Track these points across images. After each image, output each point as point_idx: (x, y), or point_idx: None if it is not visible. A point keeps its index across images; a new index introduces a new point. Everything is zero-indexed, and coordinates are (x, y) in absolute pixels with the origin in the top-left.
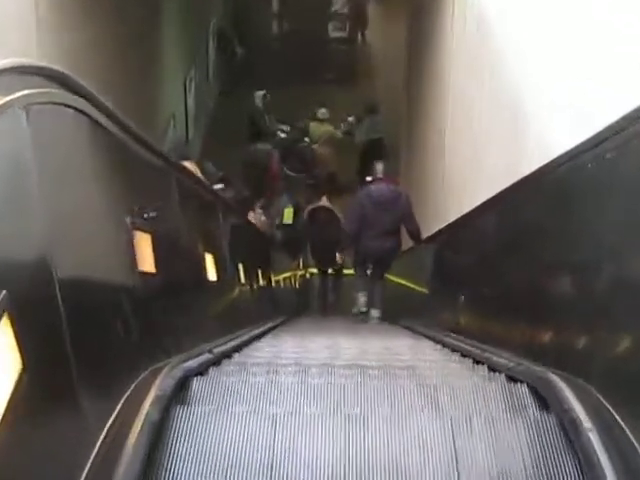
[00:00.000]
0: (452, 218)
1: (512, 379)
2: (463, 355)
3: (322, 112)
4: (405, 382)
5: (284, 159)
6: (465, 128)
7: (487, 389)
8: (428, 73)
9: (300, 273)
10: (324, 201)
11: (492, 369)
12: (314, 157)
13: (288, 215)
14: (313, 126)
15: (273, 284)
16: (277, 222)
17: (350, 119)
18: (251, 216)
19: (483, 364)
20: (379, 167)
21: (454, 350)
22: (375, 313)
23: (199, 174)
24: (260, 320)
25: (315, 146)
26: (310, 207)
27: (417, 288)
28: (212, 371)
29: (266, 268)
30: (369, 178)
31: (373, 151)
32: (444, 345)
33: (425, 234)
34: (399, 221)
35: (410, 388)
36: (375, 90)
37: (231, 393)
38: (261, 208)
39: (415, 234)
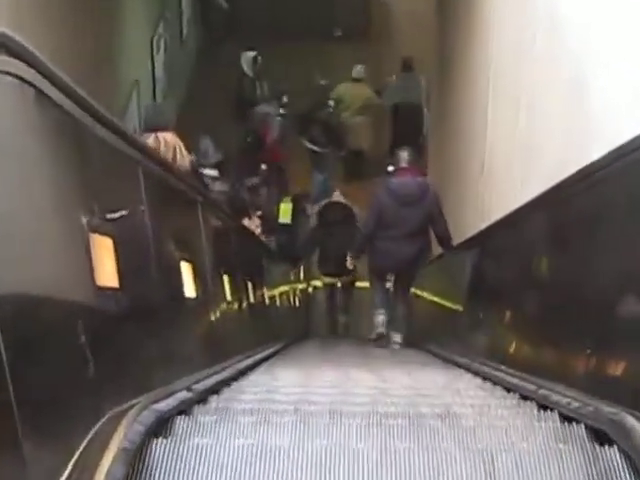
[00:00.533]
0: (496, 216)
1: (597, 434)
2: (522, 397)
3: (357, 70)
4: (446, 444)
5: (303, 129)
6: (513, 102)
7: (566, 454)
8: (465, 38)
9: (300, 287)
10: (337, 195)
11: (566, 417)
12: (343, 128)
13: (285, 212)
14: (343, 88)
15: (268, 301)
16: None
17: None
18: (246, 222)
19: (552, 410)
20: (403, 154)
21: (503, 386)
22: (397, 337)
23: (183, 151)
24: (252, 347)
25: (346, 114)
26: (321, 203)
27: (449, 305)
28: (182, 423)
29: (259, 281)
30: (390, 168)
31: (406, 121)
32: (486, 378)
33: (459, 237)
34: (426, 221)
35: (454, 454)
36: (395, 54)
37: (201, 469)
38: (260, 217)
39: (444, 238)
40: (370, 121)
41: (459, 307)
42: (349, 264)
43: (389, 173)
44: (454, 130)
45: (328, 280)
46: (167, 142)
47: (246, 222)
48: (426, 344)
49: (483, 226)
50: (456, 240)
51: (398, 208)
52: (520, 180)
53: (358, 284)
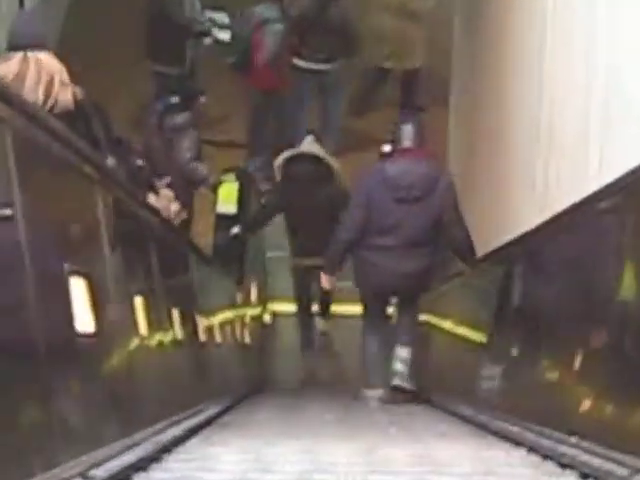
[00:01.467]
0: (560, 204)
1: None
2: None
3: None
4: None
5: (301, 35)
6: (584, 40)
7: None
8: None
9: (252, 313)
10: (310, 143)
11: None
12: (356, 33)
13: (227, 196)
14: None
15: (201, 336)
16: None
17: None
18: (153, 199)
19: None
20: (407, 128)
21: (558, 462)
22: (402, 353)
23: (65, 79)
24: (178, 409)
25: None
26: (284, 155)
27: (477, 341)
28: None
29: (189, 305)
30: (386, 147)
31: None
32: (533, 449)
33: (499, 237)
34: (434, 223)
35: None
36: None
37: None
38: (169, 186)
39: (463, 245)
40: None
41: (491, 345)
42: (324, 282)
43: (384, 155)
44: (491, 89)
45: (298, 262)
46: (40, 65)
47: (152, 197)
48: (440, 398)
49: (539, 220)
50: (495, 243)
51: (395, 205)
52: (599, 149)
53: (338, 308)
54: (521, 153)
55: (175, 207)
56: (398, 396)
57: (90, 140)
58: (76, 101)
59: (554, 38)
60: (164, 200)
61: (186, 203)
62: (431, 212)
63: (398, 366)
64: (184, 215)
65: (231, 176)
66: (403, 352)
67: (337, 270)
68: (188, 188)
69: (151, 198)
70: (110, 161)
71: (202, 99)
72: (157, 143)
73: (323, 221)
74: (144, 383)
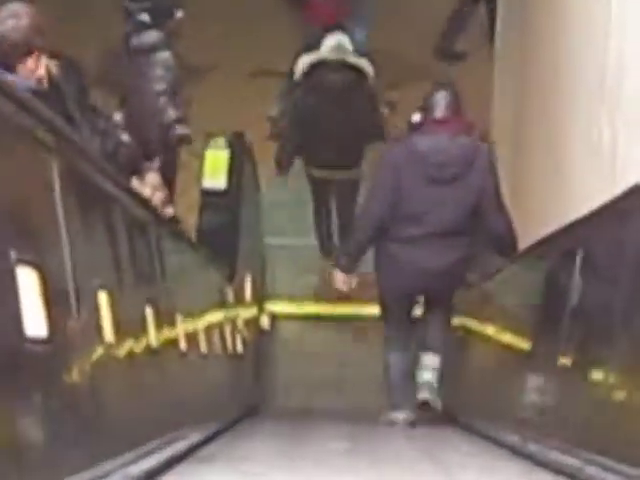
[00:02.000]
0: (635, 173)
1: None
2: None
3: None
4: None
5: None
6: None
7: None
8: None
9: (246, 315)
10: (338, 47)
11: None
12: None
13: (214, 166)
14: None
15: (181, 344)
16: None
17: None
18: (136, 184)
19: None
20: (440, 95)
21: None
22: (429, 361)
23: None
24: (148, 436)
25: None
26: (307, 58)
27: (522, 348)
28: None
29: (168, 305)
30: (416, 117)
31: None
32: None
33: (556, 218)
34: (472, 209)
35: None
36: None
37: None
38: (159, 170)
39: (504, 238)
40: None
41: (545, 358)
42: (338, 282)
43: (413, 126)
44: (546, 26)
45: (319, 175)
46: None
47: (136, 182)
48: (477, 421)
49: (609, 193)
50: (554, 224)
51: (426, 187)
52: None
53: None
54: (580, 105)
55: (159, 196)
56: (425, 413)
57: (65, 117)
58: (50, 77)
59: None
60: (148, 187)
61: (166, 171)
62: (468, 196)
63: (426, 376)
64: (170, 210)
65: (220, 141)
66: (432, 360)
67: (354, 264)
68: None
69: (134, 183)
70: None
71: (178, 14)
72: (129, 82)
73: (349, 134)
74: (105, 403)
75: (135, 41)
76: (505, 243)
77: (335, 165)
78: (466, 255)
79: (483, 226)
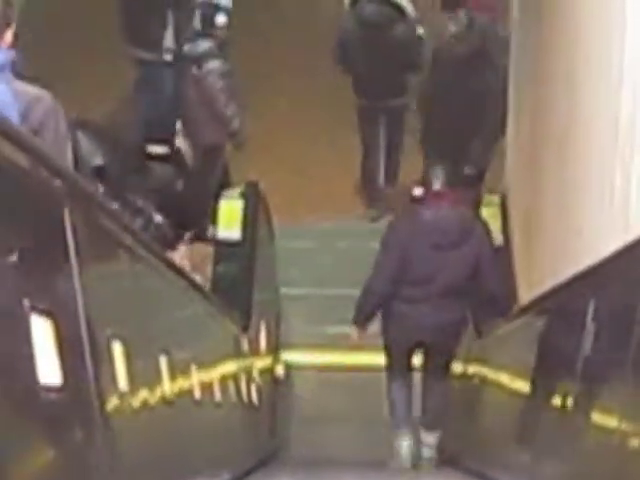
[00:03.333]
0: None
1: None
2: None
3: None
4: None
5: None
6: None
7: None
8: None
9: (261, 366)
10: None
11: None
12: None
13: (229, 217)
14: None
15: (194, 396)
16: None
17: None
18: (177, 257)
19: None
20: (438, 171)
21: None
22: (429, 438)
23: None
24: None
25: None
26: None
27: (531, 394)
28: None
29: (181, 356)
30: (418, 191)
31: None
32: None
33: (558, 269)
34: (471, 272)
35: None
36: None
37: None
38: (192, 240)
39: (499, 297)
40: None
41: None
42: (353, 337)
43: (415, 199)
44: (558, 70)
45: (367, 104)
46: None
47: (177, 255)
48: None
49: (622, 241)
50: (563, 271)
51: (432, 252)
52: None
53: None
54: (595, 154)
55: (186, 264)
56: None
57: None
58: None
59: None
60: (177, 256)
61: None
62: (468, 260)
63: (426, 454)
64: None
65: (234, 192)
66: (429, 438)
67: (366, 323)
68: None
69: (176, 255)
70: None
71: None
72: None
73: (391, 65)
74: (118, 453)
75: (189, 51)
76: (499, 300)
77: (381, 93)
78: (461, 314)
79: (480, 288)
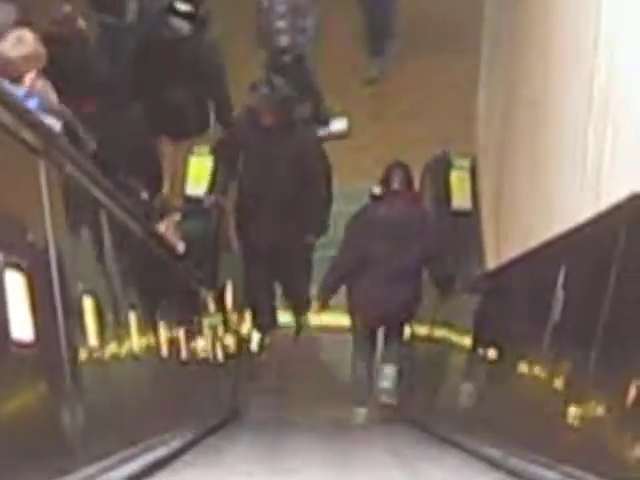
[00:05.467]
0: (619, 191)
1: None
2: None
3: None
4: None
5: None
6: None
7: None
8: None
9: (227, 324)
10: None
11: None
12: None
13: (198, 173)
14: None
15: (163, 350)
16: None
17: None
18: (163, 227)
19: None
20: (396, 173)
21: None
22: (388, 370)
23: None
24: (135, 437)
25: None
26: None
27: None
28: None
29: (149, 310)
30: (376, 190)
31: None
32: None
33: (530, 236)
34: (421, 259)
35: None
36: None
37: None
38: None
39: (443, 282)
40: None
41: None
42: (312, 308)
43: (375, 198)
44: (534, 30)
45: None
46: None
47: (162, 226)
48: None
49: (592, 211)
50: (535, 239)
51: (385, 243)
52: None
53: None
54: (568, 121)
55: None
56: (385, 412)
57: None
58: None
59: None
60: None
61: None
62: (417, 249)
63: (384, 384)
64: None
65: (204, 148)
66: (388, 369)
67: (329, 296)
68: None
69: (162, 225)
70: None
71: None
72: None
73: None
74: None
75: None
76: (444, 285)
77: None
78: (414, 294)
79: (431, 272)
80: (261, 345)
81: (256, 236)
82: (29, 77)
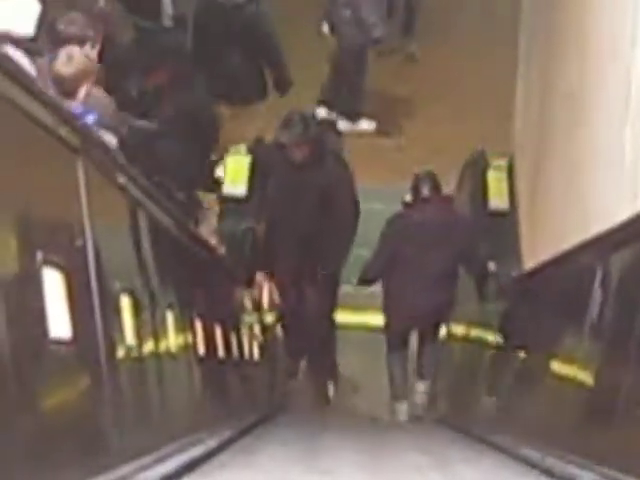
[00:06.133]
0: None
1: None
2: None
3: None
4: None
5: None
6: None
7: None
8: None
9: (264, 322)
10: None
11: None
12: None
13: (235, 173)
14: None
15: (201, 349)
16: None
17: None
18: (204, 230)
19: None
20: (424, 180)
21: None
22: (421, 386)
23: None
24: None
25: None
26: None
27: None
28: None
29: (184, 307)
30: (407, 198)
31: None
32: None
33: (567, 237)
34: (455, 261)
35: None
36: None
37: None
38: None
39: (479, 278)
40: None
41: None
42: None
43: (406, 205)
44: (572, 24)
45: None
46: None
47: (204, 229)
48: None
49: (629, 211)
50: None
51: (419, 248)
52: None
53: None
54: (604, 120)
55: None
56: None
57: None
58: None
59: None
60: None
61: None
62: (452, 252)
63: (417, 400)
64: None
65: (241, 148)
66: (421, 386)
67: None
68: None
69: (203, 229)
70: None
71: None
72: None
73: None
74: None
75: None
76: (480, 281)
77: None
78: (449, 297)
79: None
80: None
81: (280, 272)
82: (82, 92)
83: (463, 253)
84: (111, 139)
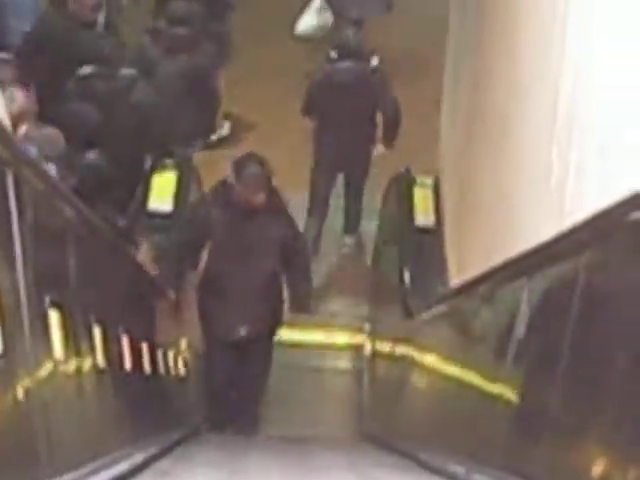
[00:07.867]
0: (584, 209)
1: None
2: None
3: None
4: None
5: None
6: None
7: None
8: None
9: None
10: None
11: None
12: None
13: (161, 189)
14: None
15: (124, 363)
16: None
17: None
18: (141, 256)
19: None
20: (348, 32)
21: None
22: (348, 240)
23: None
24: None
25: None
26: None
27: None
28: None
29: (110, 319)
30: (333, 53)
31: None
32: None
33: (493, 255)
34: (371, 107)
35: None
36: None
37: None
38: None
39: (392, 119)
40: None
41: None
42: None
43: (330, 60)
44: (497, 46)
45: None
46: None
47: (141, 255)
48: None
49: (556, 228)
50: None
51: (338, 98)
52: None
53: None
54: (532, 137)
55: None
56: None
57: None
58: None
59: None
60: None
61: None
62: (367, 99)
63: (345, 250)
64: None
65: (169, 163)
66: (348, 239)
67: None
68: None
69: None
70: None
71: None
72: None
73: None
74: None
75: None
76: (393, 123)
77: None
78: (368, 140)
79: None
80: None
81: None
82: (22, 130)
83: (379, 101)
84: (51, 169)
